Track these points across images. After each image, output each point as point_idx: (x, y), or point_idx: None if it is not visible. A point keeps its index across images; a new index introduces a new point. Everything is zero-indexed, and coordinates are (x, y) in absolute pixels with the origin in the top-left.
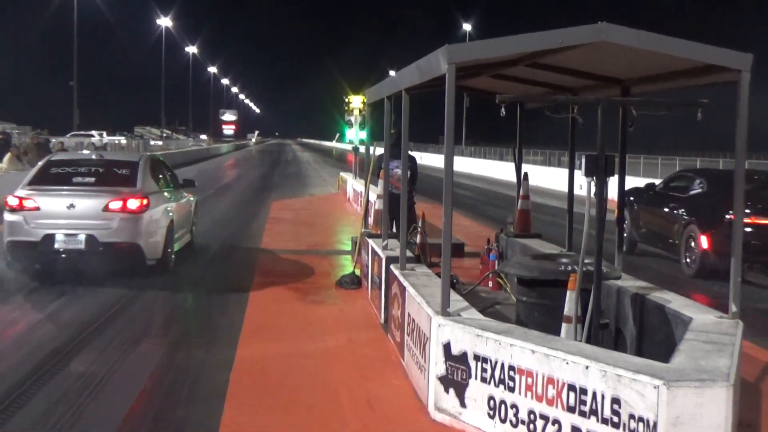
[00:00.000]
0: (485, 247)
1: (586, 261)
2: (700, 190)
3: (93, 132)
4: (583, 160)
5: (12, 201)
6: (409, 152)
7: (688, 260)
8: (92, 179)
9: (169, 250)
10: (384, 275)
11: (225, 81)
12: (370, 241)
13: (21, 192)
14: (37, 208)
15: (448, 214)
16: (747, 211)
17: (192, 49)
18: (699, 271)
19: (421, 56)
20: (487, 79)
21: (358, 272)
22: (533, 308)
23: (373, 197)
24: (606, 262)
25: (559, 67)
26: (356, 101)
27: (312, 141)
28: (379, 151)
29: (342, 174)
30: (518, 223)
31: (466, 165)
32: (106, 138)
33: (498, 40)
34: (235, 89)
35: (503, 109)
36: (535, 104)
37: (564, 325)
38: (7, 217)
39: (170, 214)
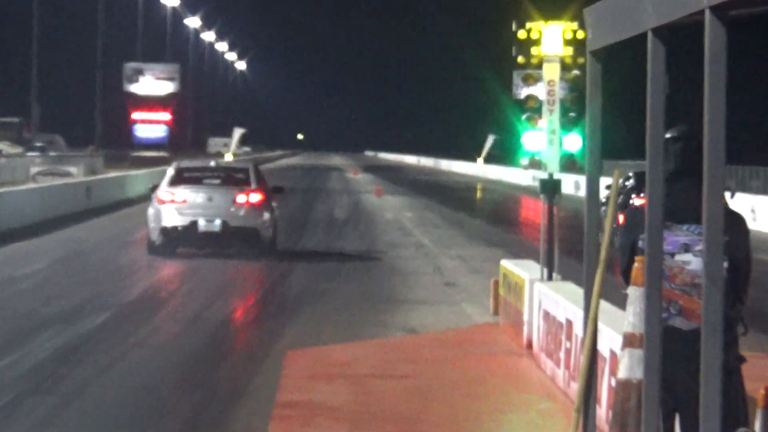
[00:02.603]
0: None
1: None
2: (631, 184)
3: None
4: None
5: (164, 196)
6: (727, 199)
7: (613, 234)
8: (218, 180)
9: (276, 237)
10: None
11: None
12: None
13: (169, 189)
14: (185, 201)
15: None
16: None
17: None
18: (613, 241)
19: None
20: None
21: None
22: None
23: (611, 339)
24: None
25: None
26: (550, 41)
27: (412, 160)
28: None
29: (507, 265)
30: None
31: None
32: None
33: None
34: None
35: None
36: None
37: None
38: (162, 208)
39: (275, 210)
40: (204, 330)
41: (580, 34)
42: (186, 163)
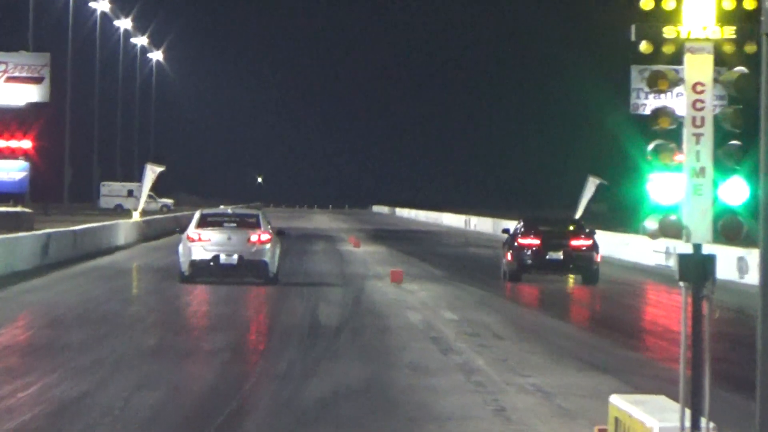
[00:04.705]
0: None
1: None
2: (520, 227)
3: None
4: None
5: (193, 235)
6: None
7: (503, 269)
8: (235, 224)
9: (279, 269)
10: None
11: None
12: None
13: (196, 230)
14: (210, 240)
15: None
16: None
17: None
18: (504, 273)
19: None
20: None
21: None
22: None
23: None
24: None
25: None
26: (696, 15)
27: (455, 220)
28: None
29: (621, 403)
30: None
31: None
32: None
33: None
34: None
35: None
36: None
37: None
38: (191, 245)
39: (278, 247)
40: None
41: (749, 3)
42: (208, 210)
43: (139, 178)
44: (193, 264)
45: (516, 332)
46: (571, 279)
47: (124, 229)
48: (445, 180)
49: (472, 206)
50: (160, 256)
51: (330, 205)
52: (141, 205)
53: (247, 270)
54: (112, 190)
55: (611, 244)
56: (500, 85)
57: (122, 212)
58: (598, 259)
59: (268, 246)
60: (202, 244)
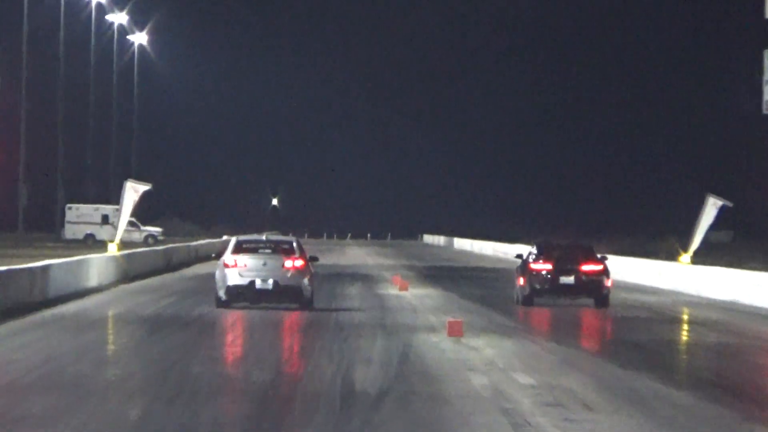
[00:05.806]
0: None
1: None
2: (532, 252)
3: None
4: None
5: (229, 261)
6: None
7: (516, 294)
8: (270, 250)
9: (313, 295)
10: None
11: None
12: None
13: (233, 256)
14: (245, 265)
15: None
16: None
17: None
18: (517, 298)
19: None
20: None
21: None
22: None
23: None
24: None
25: None
26: None
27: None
28: None
29: None
30: None
31: None
32: None
33: None
34: None
35: None
36: None
37: None
38: (227, 271)
39: (312, 272)
40: None
41: None
42: (243, 237)
43: (116, 200)
44: (230, 289)
45: (610, 401)
46: (685, 331)
47: (98, 266)
48: (518, 203)
49: (552, 236)
50: (145, 301)
51: (368, 235)
52: (119, 235)
53: (282, 295)
54: (81, 216)
55: (735, 285)
56: (589, 81)
57: (95, 244)
58: (609, 284)
59: (302, 271)
60: (238, 270)
